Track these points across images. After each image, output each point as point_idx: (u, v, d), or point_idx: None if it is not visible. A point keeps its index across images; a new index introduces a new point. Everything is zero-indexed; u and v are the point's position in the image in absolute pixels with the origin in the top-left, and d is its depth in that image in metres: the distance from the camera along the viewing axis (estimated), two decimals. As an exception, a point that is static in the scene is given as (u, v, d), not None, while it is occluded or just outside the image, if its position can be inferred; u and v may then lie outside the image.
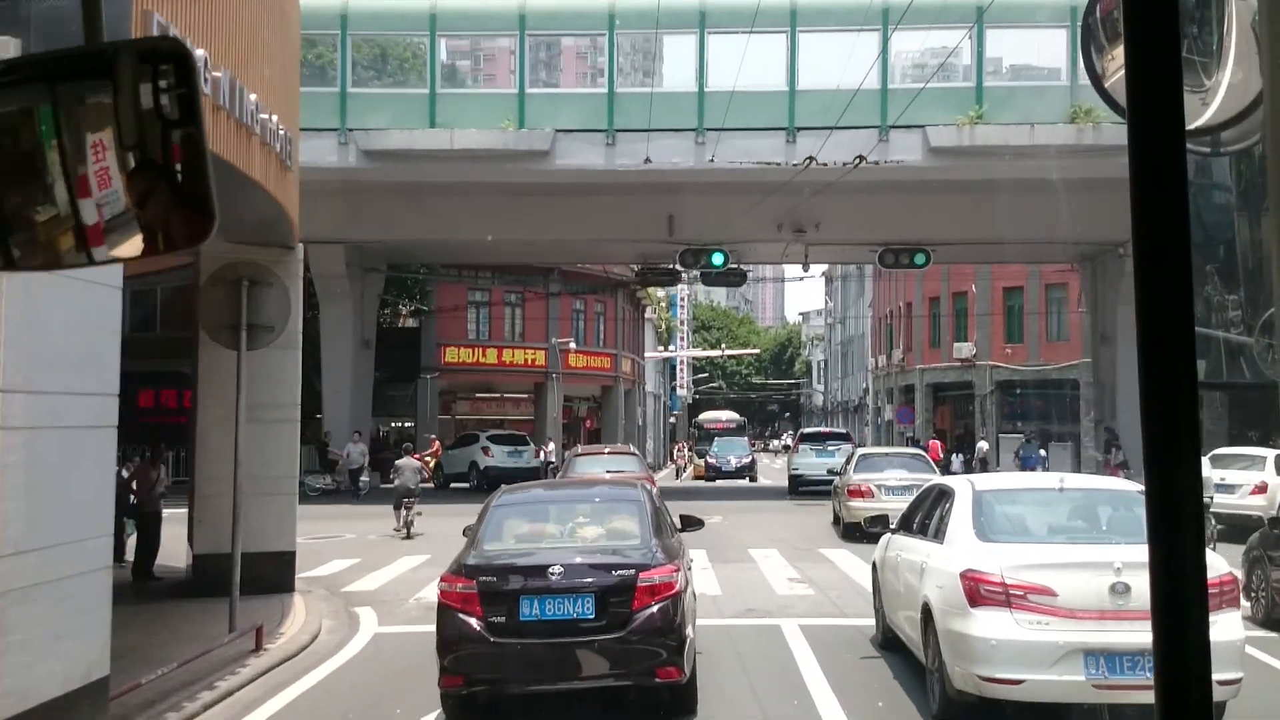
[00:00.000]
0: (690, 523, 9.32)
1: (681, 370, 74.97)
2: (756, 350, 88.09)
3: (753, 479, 38.49)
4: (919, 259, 27.37)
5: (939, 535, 7.47)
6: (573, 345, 41.65)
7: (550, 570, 6.97)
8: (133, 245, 1.23)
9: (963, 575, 6.61)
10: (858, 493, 18.05)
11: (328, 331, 29.34)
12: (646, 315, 59.00)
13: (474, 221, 27.78)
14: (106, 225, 1.23)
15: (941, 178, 24.82)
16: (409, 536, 19.05)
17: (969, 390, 42.34)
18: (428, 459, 31.54)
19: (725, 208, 25.83)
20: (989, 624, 6.36)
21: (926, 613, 7.17)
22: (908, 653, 8.27)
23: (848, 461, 20.90)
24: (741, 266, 30.54)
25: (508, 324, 41.09)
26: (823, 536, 18.16)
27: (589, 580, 7.00)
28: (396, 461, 21.10)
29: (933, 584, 7.12)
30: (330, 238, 27.18)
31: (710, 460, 39.96)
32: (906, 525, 8.64)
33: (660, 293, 71.93)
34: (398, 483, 19.71)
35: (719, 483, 37.19)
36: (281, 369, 12.60)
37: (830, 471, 23.33)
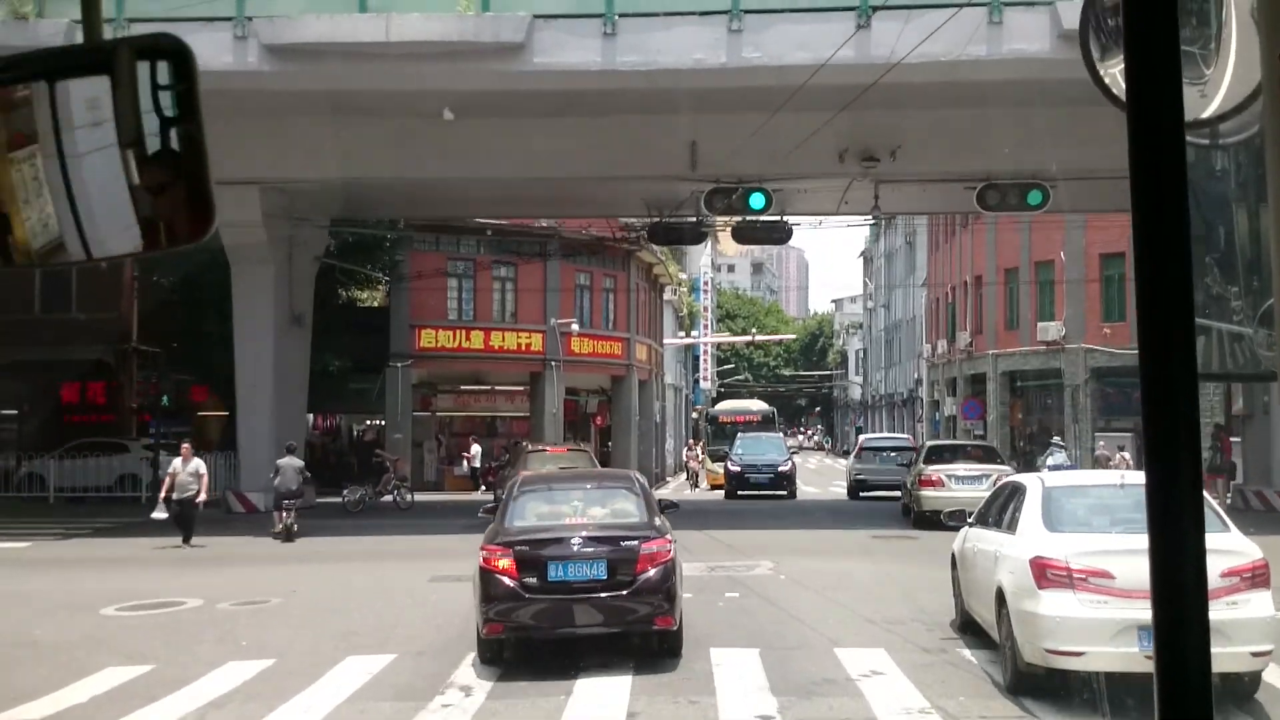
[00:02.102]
0: (666, 506, 10.66)
1: (705, 361, 68.03)
2: (792, 336, 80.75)
3: (792, 494, 28.84)
4: (1033, 198, 20.14)
5: (1011, 527, 8.18)
6: (576, 327, 34.55)
7: (572, 541, 8.71)
8: (131, 241, 1.23)
9: (1032, 561, 7.33)
10: (929, 482, 19.38)
11: (241, 303, 22.34)
12: (666, 297, 51.82)
13: (433, 154, 20.77)
14: (105, 222, 1.22)
15: (1073, 76, 17.41)
16: (290, 539, 17.80)
17: (1056, 380, 34.97)
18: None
19: (767, 130, 18.57)
20: (1055, 603, 7.04)
21: (1000, 596, 7.81)
22: (983, 633, 8.78)
23: (918, 453, 22.83)
24: (785, 220, 23.39)
25: (497, 301, 34.02)
26: (940, 604, 10.98)
27: (602, 549, 8.66)
28: (277, 461, 19.05)
29: (1005, 570, 7.80)
30: (234, 176, 20.20)
31: (733, 466, 29.42)
32: (983, 519, 9.34)
33: (683, 274, 65.07)
34: (277, 483, 18.47)
35: (743, 497, 27.87)
36: None
37: (901, 465, 25.61)
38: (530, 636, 8.78)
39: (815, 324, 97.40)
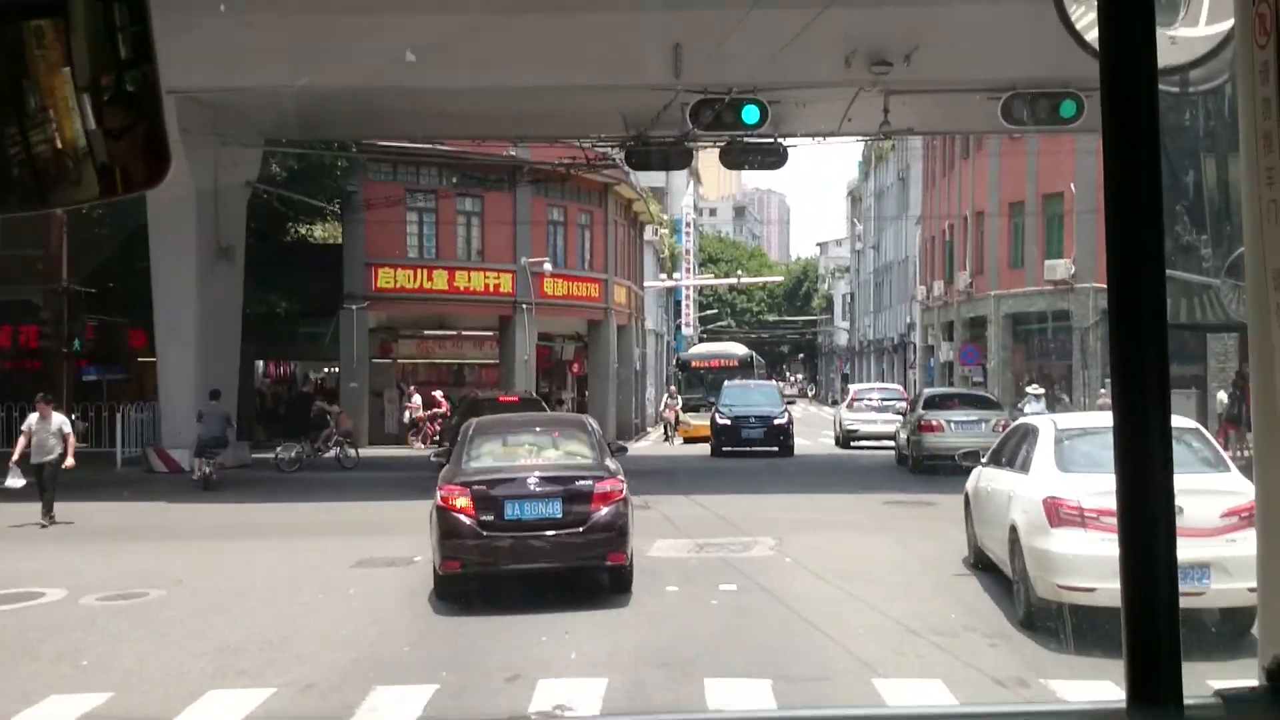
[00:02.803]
0: (616, 449, 10.94)
1: (687, 306, 65.60)
2: (779, 278, 78.06)
3: (789, 449, 25.12)
4: (1066, 109, 17.50)
5: (1024, 467, 8.61)
6: (549, 267, 31.85)
7: (527, 481, 9.04)
8: (88, 188, 1.21)
9: (1045, 501, 7.73)
10: (929, 428, 19.94)
11: (158, 234, 19.49)
12: (646, 237, 49.05)
13: (379, 60, 17.90)
14: (61, 168, 1.20)
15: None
16: (208, 488, 17.28)
17: (1064, 322, 32.62)
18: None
19: (763, 28, 15.91)
20: (1067, 541, 7.43)
21: (1014, 534, 8.21)
22: (995, 571, 9.26)
23: (915, 400, 23.13)
24: (780, 142, 20.73)
25: (462, 237, 31.20)
26: (994, 604, 8.64)
27: (557, 489, 8.95)
28: (201, 408, 18.35)
29: (1019, 509, 8.20)
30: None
31: (721, 418, 25.69)
32: (995, 459, 9.77)
33: (664, 215, 62.19)
34: (200, 430, 17.91)
35: (730, 453, 24.57)
36: None
37: (893, 416, 26.00)
38: (486, 572, 9.04)
39: (800, 268, 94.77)
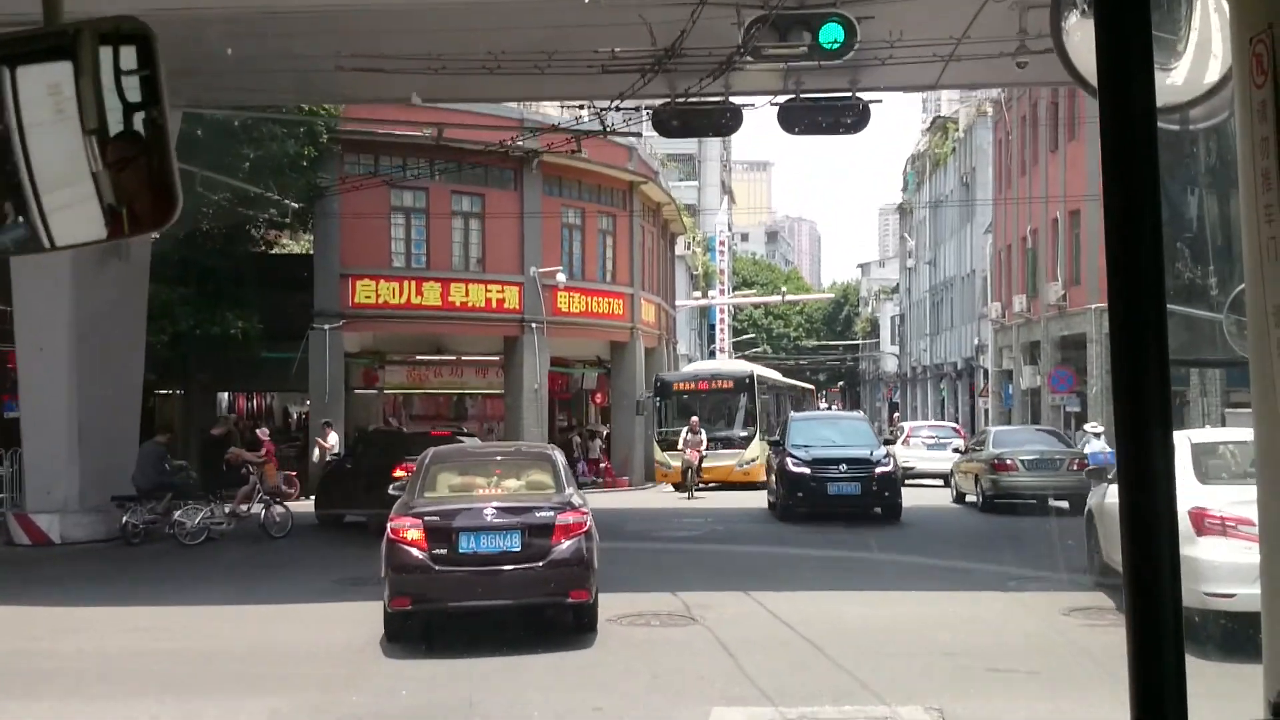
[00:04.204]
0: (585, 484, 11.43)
1: (721, 330, 60.38)
2: (828, 295, 72.57)
3: (895, 510, 17.72)
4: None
5: None
6: (563, 278, 26.68)
7: (484, 512, 8.67)
8: (95, 229, 1.24)
9: (1191, 511, 8.10)
10: (1002, 466, 19.56)
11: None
12: (678, 251, 43.88)
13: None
14: (68, 210, 1.22)
15: None
16: (129, 542, 14.56)
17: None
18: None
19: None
20: (1211, 550, 7.92)
21: None
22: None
23: (980, 438, 22.97)
24: (858, 95, 15.65)
25: (458, 243, 26.09)
26: None
27: (516, 520, 8.57)
28: (142, 445, 15.57)
29: None
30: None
31: (795, 464, 17.97)
32: None
33: (697, 230, 57.19)
34: (134, 475, 15.01)
35: (804, 514, 17.59)
36: None
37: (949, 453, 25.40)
38: (438, 609, 8.65)
39: (839, 291, 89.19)
